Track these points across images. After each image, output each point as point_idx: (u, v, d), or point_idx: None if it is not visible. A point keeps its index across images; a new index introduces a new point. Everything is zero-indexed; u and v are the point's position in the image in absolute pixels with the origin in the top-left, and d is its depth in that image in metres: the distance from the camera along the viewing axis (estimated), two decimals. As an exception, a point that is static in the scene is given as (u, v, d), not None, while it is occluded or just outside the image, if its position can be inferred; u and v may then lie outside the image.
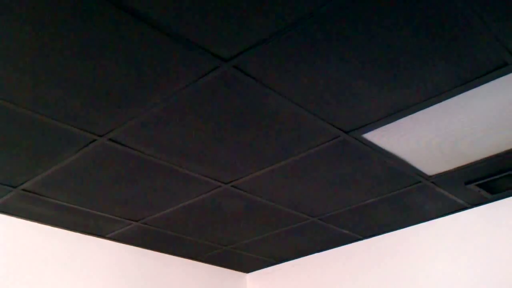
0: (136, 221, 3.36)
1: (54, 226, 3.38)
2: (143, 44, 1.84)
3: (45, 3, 1.65)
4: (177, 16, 1.73)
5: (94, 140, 2.42)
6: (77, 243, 3.48)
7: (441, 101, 2.24)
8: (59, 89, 2.06)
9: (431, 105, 2.27)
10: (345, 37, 1.85)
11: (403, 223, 3.63)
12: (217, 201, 3.12)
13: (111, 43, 1.83)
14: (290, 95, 2.16)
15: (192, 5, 1.68)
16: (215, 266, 4.36)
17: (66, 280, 3.33)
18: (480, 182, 2.97)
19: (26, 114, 2.20)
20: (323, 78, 2.06)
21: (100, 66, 1.94)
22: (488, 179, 2.94)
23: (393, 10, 1.74)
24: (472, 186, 3.01)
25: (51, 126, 2.29)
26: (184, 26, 1.77)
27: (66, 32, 1.77)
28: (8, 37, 1.78)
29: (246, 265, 4.40)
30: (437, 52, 1.94)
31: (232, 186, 2.93)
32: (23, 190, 2.85)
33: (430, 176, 2.93)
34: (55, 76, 1.98)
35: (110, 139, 2.41)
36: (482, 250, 3.28)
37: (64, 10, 1.68)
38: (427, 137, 2.54)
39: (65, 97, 2.11)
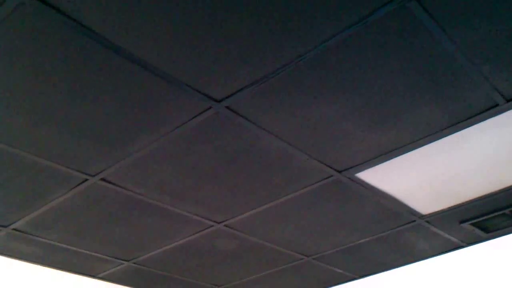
0: (127, 260, 3.31)
1: (45, 266, 3.32)
2: (136, 85, 1.85)
3: (39, 46, 1.66)
4: (169, 58, 1.74)
5: (86, 180, 2.40)
6: (68, 283, 3.41)
7: (433, 141, 2.25)
8: (51, 129, 2.05)
9: (423, 145, 2.27)
10: (336, 78, 1.86)
11: (398, 262, 3.59)
12: (210, 240, 3.08)
13: (103, 84, 1.84)
14: (283, 135, 2.17)
15: (184, 47, 1.70)
16: (208, 306, 4.28)
17: (55, 321, 3.26)
18: (474, 221, 2.95)
19: (17, 153, 2.19)
20: (315, 118, 2.07)
21: (92, 106, 1.94)
22: (482, 218, 2.93)
23: (384, 52, 1.76)
24: (466, 225, 3.00)
25: (43, 166, 2.28)
26: (177, 67, 1.78)
27: (59, 73, 1.78)
28: (0, 78, 1.78)
29: (240, 305, 4.32)
30: (428, 93, 1.96)
31: (225, 225, 2.90)
32: (14, 229, 2.81)
33: (424, 215, 2.91)
34: (48, 116, 1.98)
35: (102, 179, 2.40)
36: (478, 290, 3.24)
37: (58, 52, 1.69)
38: (420, 177, 2.53)
39: (57, 137, 2.10)
